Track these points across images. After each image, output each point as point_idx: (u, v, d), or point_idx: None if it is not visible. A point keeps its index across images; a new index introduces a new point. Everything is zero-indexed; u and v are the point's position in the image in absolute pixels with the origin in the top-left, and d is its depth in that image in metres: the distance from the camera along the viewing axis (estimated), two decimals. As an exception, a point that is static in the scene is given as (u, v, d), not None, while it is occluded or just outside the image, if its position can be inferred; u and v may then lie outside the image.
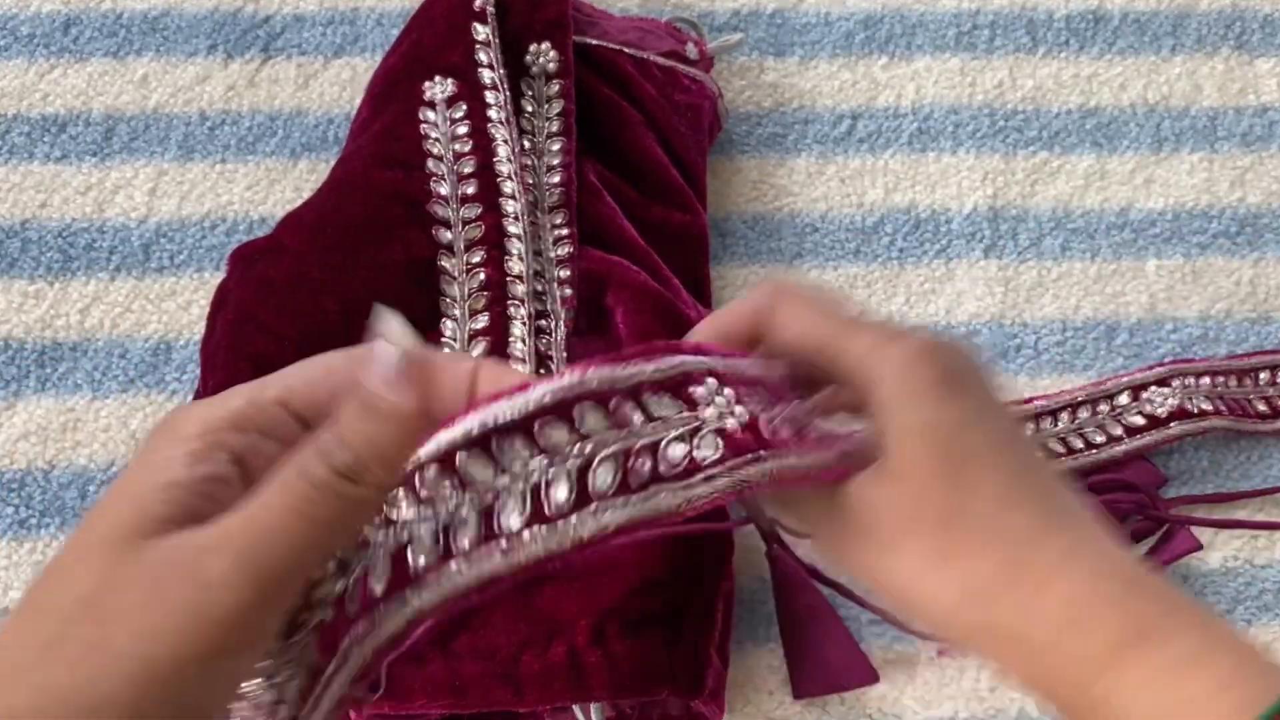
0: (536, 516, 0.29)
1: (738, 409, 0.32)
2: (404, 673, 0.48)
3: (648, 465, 0.30)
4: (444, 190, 0.57)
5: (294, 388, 0.29)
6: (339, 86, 0.69)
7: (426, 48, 0.61)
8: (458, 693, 0.48)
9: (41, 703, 0.24)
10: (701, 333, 0.37)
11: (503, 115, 0.58)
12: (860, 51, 0.71)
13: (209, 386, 0.54)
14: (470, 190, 0.57)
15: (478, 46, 0.60)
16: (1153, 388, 0.60)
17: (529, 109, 0.60)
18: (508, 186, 0.57)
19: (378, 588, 0.28)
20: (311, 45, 0.70)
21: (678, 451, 0.30)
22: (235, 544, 0.25)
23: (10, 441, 0.60)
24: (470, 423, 0.29)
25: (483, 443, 0.29)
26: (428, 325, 0.54)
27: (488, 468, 0.29)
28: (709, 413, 0.31)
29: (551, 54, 0.61)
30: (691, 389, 0.32)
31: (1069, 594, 0.31)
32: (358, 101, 0.63)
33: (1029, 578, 0.31)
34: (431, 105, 0.59)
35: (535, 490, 0.29)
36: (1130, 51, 0.71)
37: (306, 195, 0.59)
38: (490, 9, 0.60)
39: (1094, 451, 0.59)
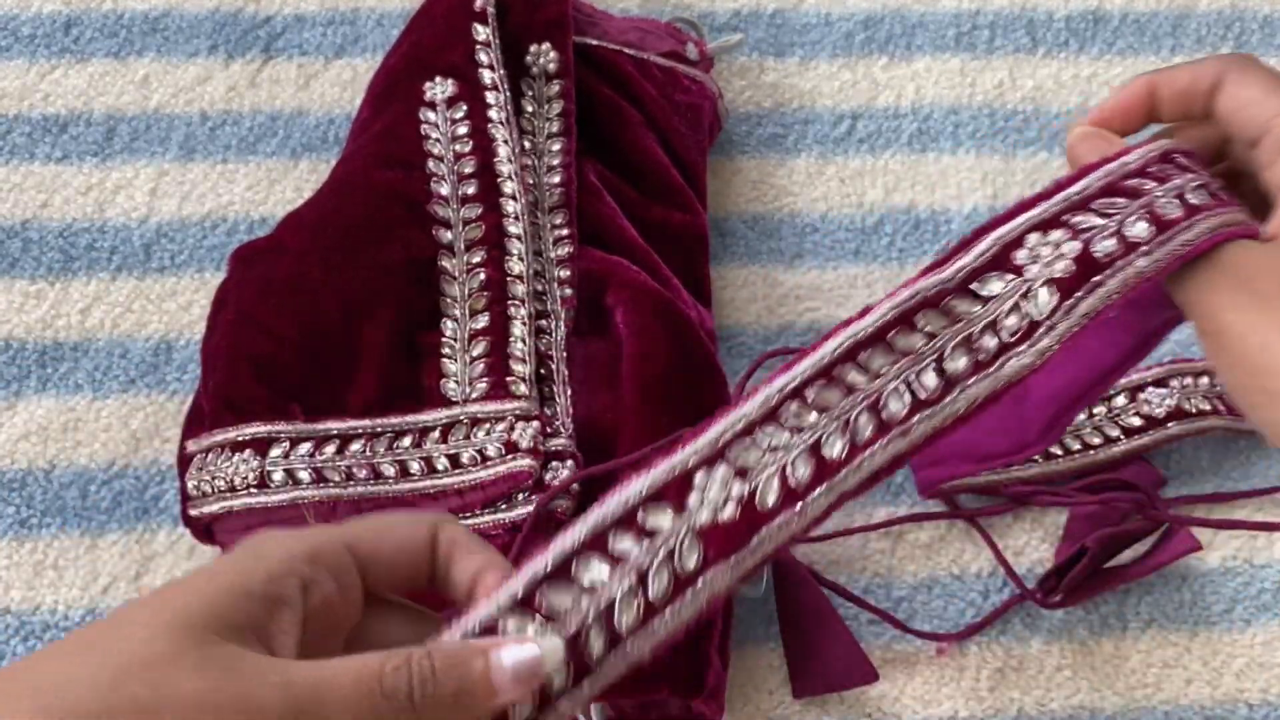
0: (916, 405, 0.34)
1: (1066, 247, 0.35)
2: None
3: (993, 341, 0.35)
4: (444, 190, 0.57)
5: (362, 537, 0.32)
6: (339, 87, 0.69)
7: (427, 48, 0.61)
8: (458, 692, 0.48)
9: None
10: (1133, 89, 0.40)
11: (503, 115, 0.58)
12: (860, 52, 0.71)
13: (209, 386, 0.54)
14: (470, 190, 0.57)
15: (478, 47, 0.60)
16: (1150, 388, 0.60)
17: (529, 109, 0.60)
18: (508, 187, 0.57)
19: None
20: (312, 46, 0.70)
21: (1012, 320, 0.35)
22: (295, 690, 0.28)
23: (11, 441, 0.60)
24: (839, 340, 0.35)
25: (852, 355, 0.35)
26: (428, 325, 0.54)
27: (861, 374, 0.34)
28: (1034, 270, 0.35)
29: (551, 54, 0.61)
30: (1013, 255, 0.36)
31: None
32: (358, 102, 0.64)
33: None
34: (432, 105, 0.59)
35: (907, 383, 0.34)
36: (1130, 52, 0.71)
37: (307, 195, 0.59)
38: (490, 9, 0.60)
39: (1091, 453, 0.59)
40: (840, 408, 0.34)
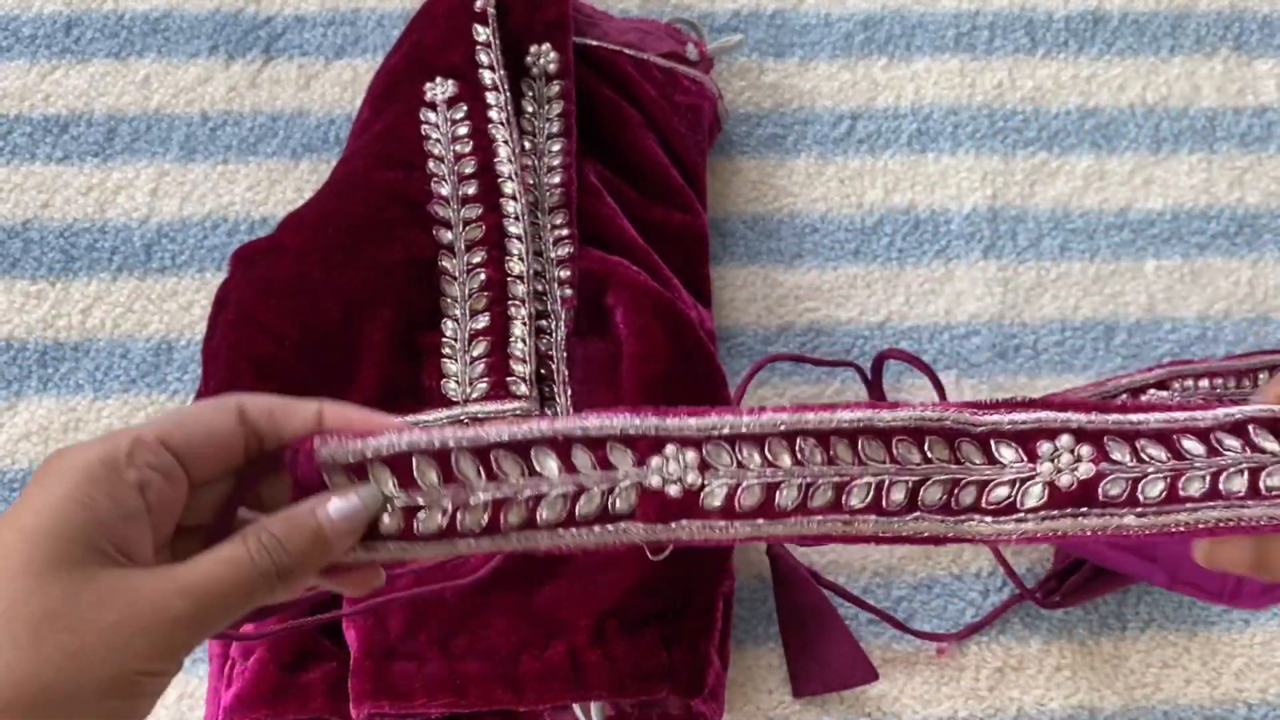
0: (872, 508, 0.36)
1: (1083, 467, 0.36)
2: (404, 672, 0.48)
3: (970, 498, 0.36)
4: (445, 191, 0.57)
5: (171, 431, 0.33)
6: (340, 87, 0.69)
7: (427, 49, 0.61)
8: (458, 692, 0.48)
9: (27, 696, 0.29)
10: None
11: (503, 116, 0.58)
12: (860, 52, 0.71)
13: (210, 386, 0.54)
14: (471, 191, 0.57)
15: (478, 48, 0.60)
16: (1151, 391, 0.60)
17: (529, 110, 0.60)
18: (508, 187, 0.57)
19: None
20: (313, 46, 0.70)
21: (1001, 493, 0.36)
22: (196, 594, 0.31)
23: (12, 441, 0.60)
24: (855, 415, 0.36)
25: (855, 435, 0.36)
26: (428, 325, 0.54)
27: (850, 453, 0.36)
28: (1043, 468, 0.36)
29: (552, 55, 0.61)
30: (1038, 443, 0.36)
31: None
32: (359, 102, 0.64)
33: None
34: (432, 106, 0.59)
35: (880, 487, 0.36)
36: (1129, 52, 0.71)
37: (308, 196, 0.59)
38: (491, 10, 0.60)
39: None
40: (814, 470, 0.36)
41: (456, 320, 0.55)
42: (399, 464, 0.35)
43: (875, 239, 0.66)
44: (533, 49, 0.61)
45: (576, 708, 0.50)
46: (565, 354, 0.55)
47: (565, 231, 0.58)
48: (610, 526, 0.35)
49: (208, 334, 0.56)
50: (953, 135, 0.69)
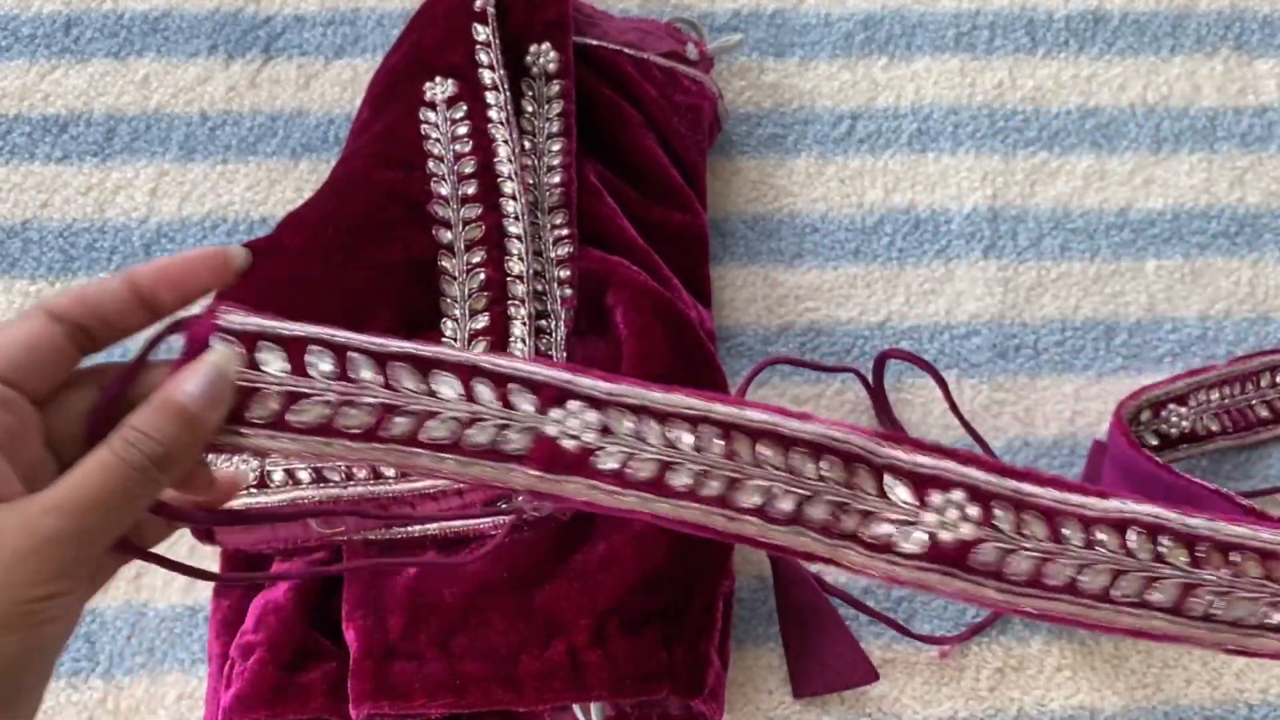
0: (755, 512, 0.35)
1: (966, 528, 0.35)
2: (404, 672, 0.48)
3: (850, 525, 0.35)
4: (444, 190, 0.57)
5: (9, 361, 0.33)
6: (340, 87, 0.69)
7: (427, 48, 0.61)
8: (457, 692, 0.48)
9: None
10: None
11: (503, 116, 0.58)
12: (860, 52, 0.71)
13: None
14: (470, 190, 0.57)
15: (478, 47, 0.60)
16: (1171, 405, 0.61)
17: (529, 109, 0.60)
18: (508, 187, 0.57)
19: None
20: (312, 46, 0.70)
21: (883, 529, 0.35)
22: (66, 508, 0.30)
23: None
24: (763, 416, 0.36)
25: (757, 435, 0.36)
26: (428, 325, 0.54)
27: (748, 452, 0.35)
28: (929, 517, 0.35)
29: (552, 54, 0.61)
30: (932, 492, 0.36)
31: None
32: (358, 102, 0.64)
33: None
34: (432, 105, 0.59)
35: (767, 491, 0.35)
36: (1130, 52, 0.71)
37: (307, 195, 0.59)
38: (491, 10, 0.60)
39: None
40: (710, 460, 0.35)
41: (456, 320, 0.54)
42: (293, 348, 0.34)
43: (875, 239, 0.66)
44: (533, 49, 0.61)
45: (576, 708, 0.50)
46: (565, 354, 0.55)
47: (565, 231, 0.58)
48: (497, 464, 0.35)
49: (207, 334, 0.56)
50: (953, 135, 0.68)
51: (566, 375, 0.36)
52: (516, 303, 0.55)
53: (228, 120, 0.68)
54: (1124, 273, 0.65)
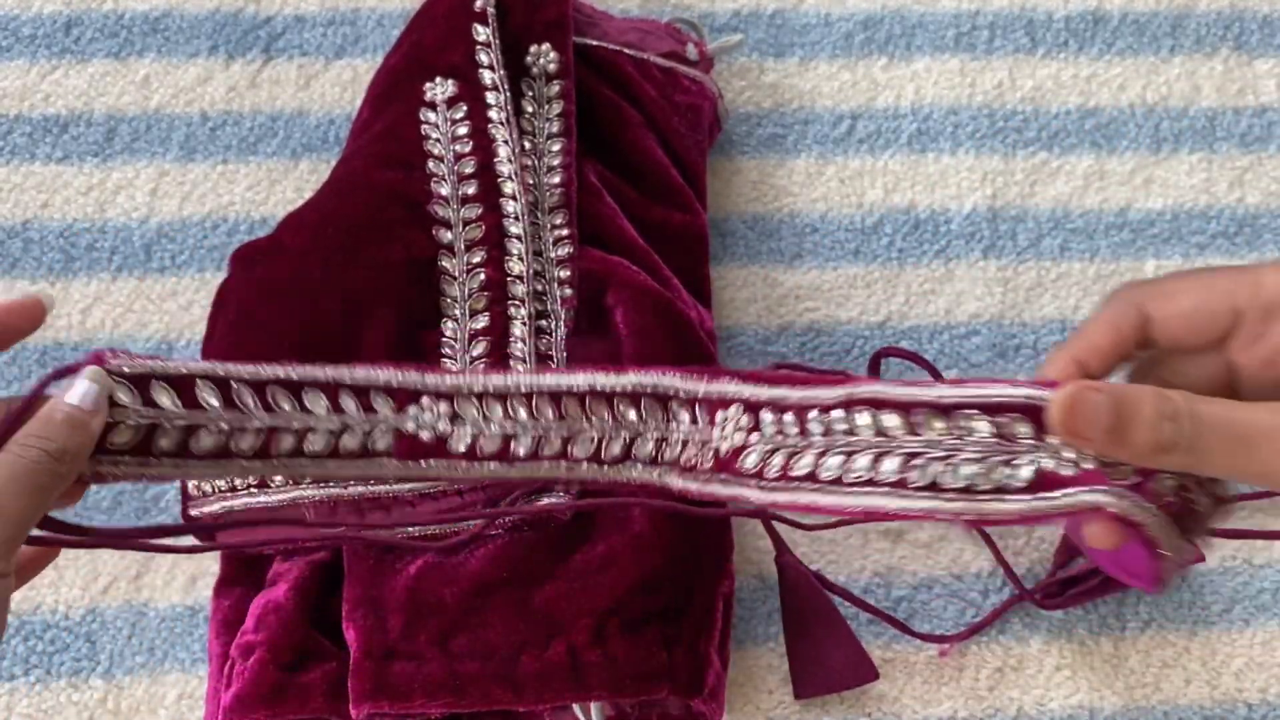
0: (594, 457, 0.41)
1: (736, 436, 0.40)
2: (403, 672, 0.48)
3: (673, 452, 0.41)
4: (444, 190, 0.57)
5: None
6: (340, 87, 0.69)
7: (427, 49, 0.61)
8: (457, 692, 0.48)
9: None
10: (1058, 368, 0.37)
11: (503, 116, 0.58)
12: (860, 52, 0.71)
13: (210, 386, 0.54)
14: (471, 190, 0.57)
15: (478, 47, 0.60)
16: None
17: (529, 109, 0.60)
18: (508, 187, 0.57)
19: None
20: (312, 46, 0.70)
21: (690, 452, 0.41)
22: None
23: (12, 441, 0.60)
24: (582, 378, 0.42)
25: (581, 396, 0.41)
26: (428, 325, 0.54)
27: (579, 414, 0.42)
28: (716, 433, 0.40)
29: (552, 55, 0.61)
30: (719, 410, 0.41)
31: None
32: (358, 102, 0.64)
33: None
34: (432, 106, 0.59)
35: (599, 440, 0.42)
36: (1129, 52, 0.71)
37: (307, 196, 0.59)
38: (491, 10, 0.60)
39: None
40: (544, 424, 0.41)
41: (456, 320, 0.55)
42: (183, 386, 0.38)
43: (875, 239, 0.66)
44: (533, 49, 0.61)
45: (576, 708, 0.50)
46: (565, 354, 0.55)
47: (565, 231, 0.58)
48: (369, 461, 0.40)
49: (207, 334, 0.56)
50: (953, 135, 0.69)
51: (415, 376, 0.41)
52: (516, 303, 0.55)
53: (228, 120, 0.68)
54: (1124, 273, 0.65)
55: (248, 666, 0.50)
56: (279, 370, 0.39)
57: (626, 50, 0.63)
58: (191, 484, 0.53)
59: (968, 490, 0.35)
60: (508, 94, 0.59)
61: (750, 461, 0.39)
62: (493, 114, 0.58)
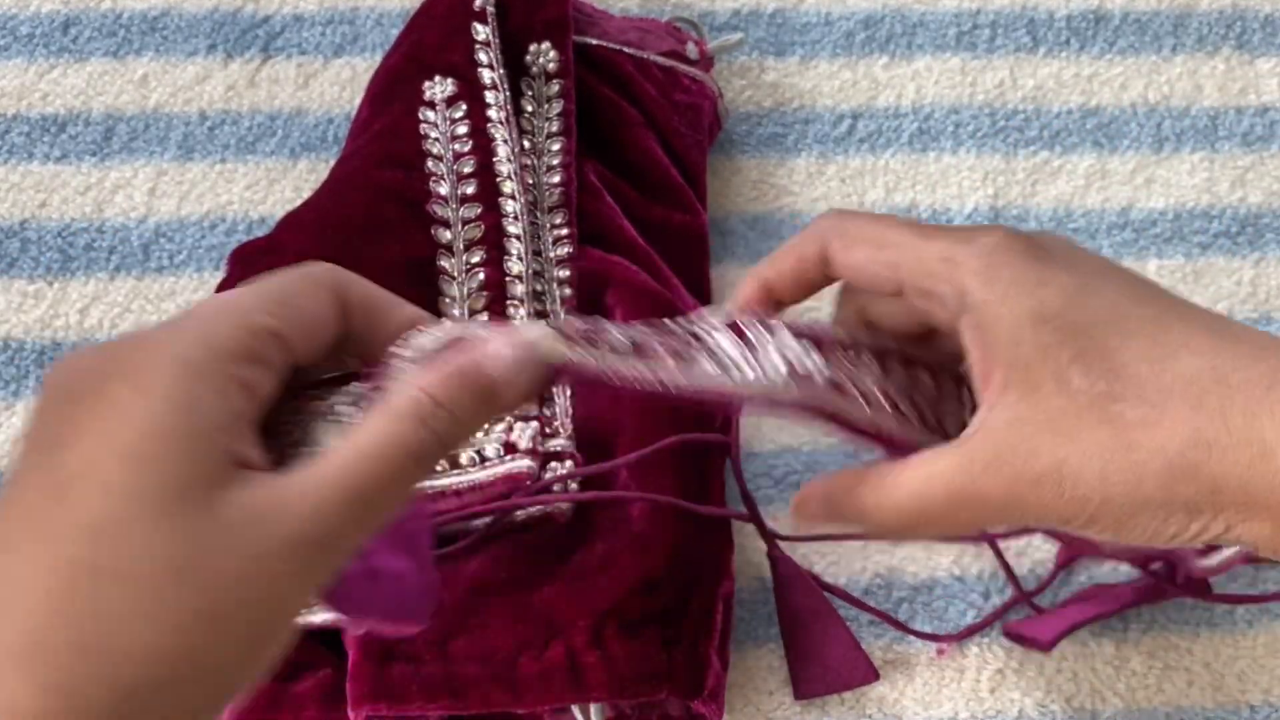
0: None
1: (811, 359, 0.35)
2: (401, 674, 0.48)
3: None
4: (444, 190, 0.57)
5: (280, 328, 0.28)
6: (339, 86, 0.69)
7: (426, 48, 0.61)
8: (455, 694, 0.48)
9: (160, 676, 0.23)
10: (746, 292, 0.37)
11: (503, 115, 0.58)
12: (861, 51, 0.71)
13: (208, 386, 0.54)
14: (470, 190, 0.57)
15: (478, 46, 0.60)
16: None
17: (529, 109, 0.60)
18: (507, 186, 0.57)
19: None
20: (311, 45, 0.70)
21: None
22: (346, 494, 0.25)
23: (10, 442, 0.59)
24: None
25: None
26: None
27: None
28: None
29: (551, 54, 0.61)
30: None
31: None
32: (358, 101, 0.63)
33: (1235, 422, 0.27)
34: (431, 105, 0.59)
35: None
36: (1131, 51, 0.71)
37: (306, 195, 0.59)
38: (490, 9, 0.60)
39: None
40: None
41: (455, 320, 0.54)
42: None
43: (876, 239, 0.66)
44: (532, 48, 0.61)
45: (576, 709, 0.50)
46: (564, 354, 0.55)
47: (565, 231, 0.58)
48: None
49: (205, 334, 0.56)
50: (954, 134, 0.68)
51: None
52: (516, 303, 0.55)
53: (226, 119, 0.68)
54: (1125, 273, 0.65)
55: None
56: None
57: (626, 49, 0.63)
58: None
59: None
60: (507, 93, 0.59)
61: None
62: (492, 113, 0.58)
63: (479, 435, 0.51)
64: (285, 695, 0.49)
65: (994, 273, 0.30)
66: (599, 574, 0.50)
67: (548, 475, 0.51)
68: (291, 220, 0.57)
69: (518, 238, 0.56)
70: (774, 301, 0.38)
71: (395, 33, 0.66)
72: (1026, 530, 0.55)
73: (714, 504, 0.54)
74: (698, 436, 0.53)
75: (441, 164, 0.57)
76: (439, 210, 0.56)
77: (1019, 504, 0.29)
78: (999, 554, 0.57)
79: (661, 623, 0.50)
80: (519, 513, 0.51)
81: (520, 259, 0.55)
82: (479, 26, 0.60)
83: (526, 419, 0.51)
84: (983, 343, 0.30)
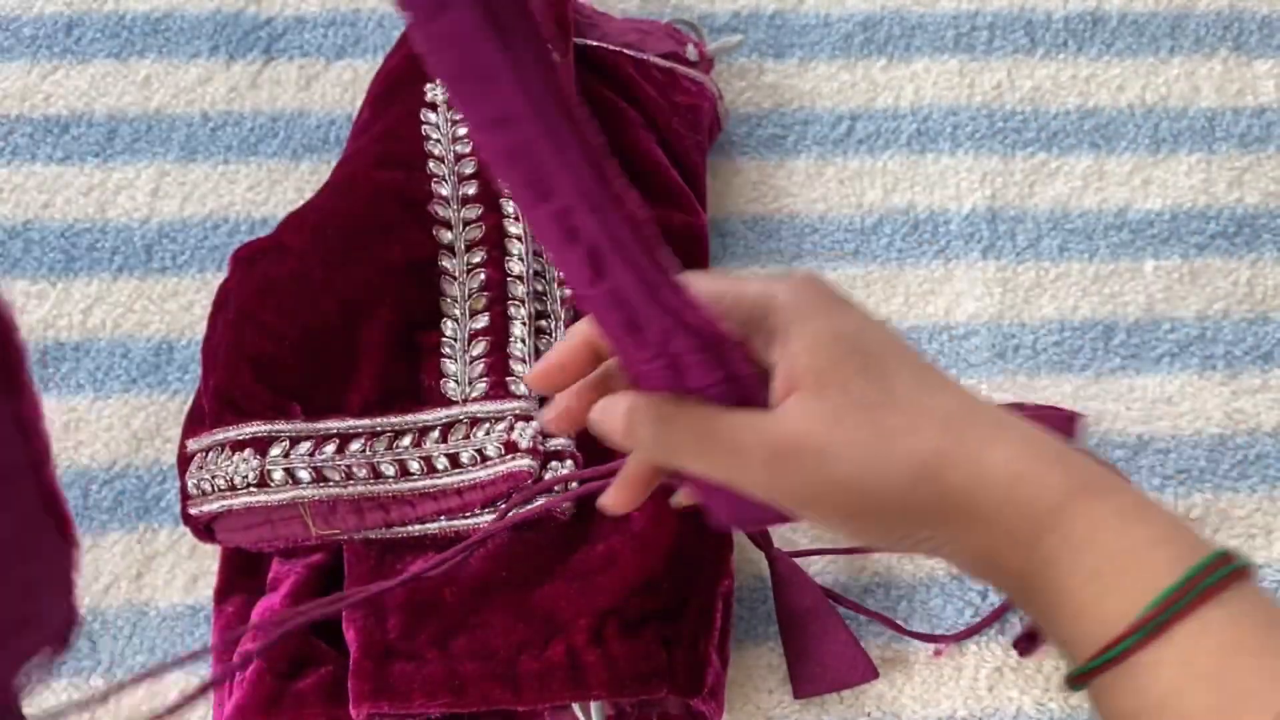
0: None
1: None
2: (402, 673, 0.49)
3: None
4: (445, 191, 0.57)
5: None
6: (340, 88, 0.69)
7: (427, 49, 0.61)
8: (456, 692, 0.48)
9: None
10: (534, 375, 0.39)
11: (503, 116, 0.58)
12: (859, 53, 0.71)
13: (209, 386, 0.54)
14: (471, 191, 0.57)
15: (478, 48, 0.60)
16: None
17: (529, 110, 0.60)
18: (508, 187, 0.57)
19: None
20: (313, 47, 0.70)
21: None
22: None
23: (13, 441, 0.60)
24: None
25: None
26: (428, 325, 0.54)
27: None
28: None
29: (552, 55, 0.61)
30: None
31: (1010, 455, 0.34)
32: (359, 103, 0.64)
33: (970, 445, 0.34)
34: (433, 106, 0.59)
35: None
36: (1128, 53, 0.71)
37: (308, 196, 0.60)
38: (491, 10, 0.60)
39: None
40: None
41: (456, 320, 0.55)
42: None
43: (875, 239, 0.66)
44: (533, 49, 0.61)
45: (576, 708, 0.50)
46: (565, 354, 0.55)
47: (565, 232, 0.58)
48: None
49: (207, 333, 0.56)
50: (952, 135, 0.69)
51: None
52: (516, 303, 0.55)
53: (229, 121, 0.68)
54: (1122, 273, 0.66)
55: (246, 677, 0.50)
56: None
57: (626, 51, 0.63)
58: (191, 483, 0.53)
59: None
60: (508, 94, 0.59)
61: None
62: (493, 114, 0.58)
63: (480, 435, 0.51)
64: (288, 692, 0.49)
65: (802, 299, 0.36)
66: (599, 573, 0.50)
67: (548, 475, 0.51)
68: (293, 221, 0.58)
69: (518, 238, 0.56)
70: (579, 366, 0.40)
71: (396, 35, 0.66)
72: None
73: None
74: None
75: (443, 165, 0.58)
76: (440, 211, 0.57)
77: (783, 469, 0.34)
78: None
79: (661, 621, 0.50)
80: (519, 511, 0.51)
81: (521, 259, 0.56)
82: (480, 28, 0.60)
83: (528, 419, 0.52)
84: (788, 354, 0.35)
